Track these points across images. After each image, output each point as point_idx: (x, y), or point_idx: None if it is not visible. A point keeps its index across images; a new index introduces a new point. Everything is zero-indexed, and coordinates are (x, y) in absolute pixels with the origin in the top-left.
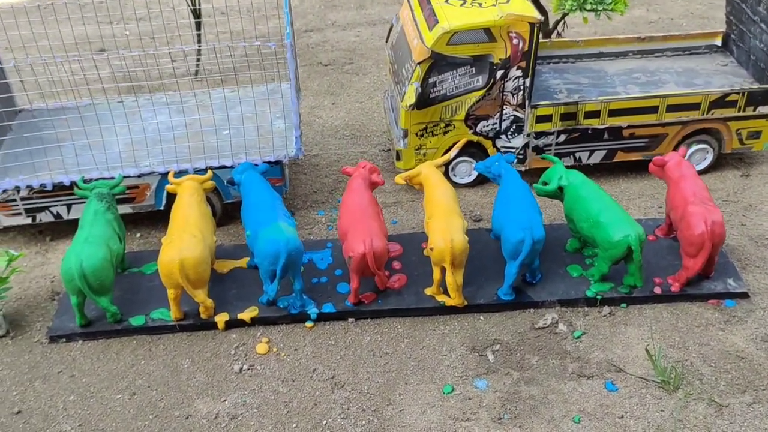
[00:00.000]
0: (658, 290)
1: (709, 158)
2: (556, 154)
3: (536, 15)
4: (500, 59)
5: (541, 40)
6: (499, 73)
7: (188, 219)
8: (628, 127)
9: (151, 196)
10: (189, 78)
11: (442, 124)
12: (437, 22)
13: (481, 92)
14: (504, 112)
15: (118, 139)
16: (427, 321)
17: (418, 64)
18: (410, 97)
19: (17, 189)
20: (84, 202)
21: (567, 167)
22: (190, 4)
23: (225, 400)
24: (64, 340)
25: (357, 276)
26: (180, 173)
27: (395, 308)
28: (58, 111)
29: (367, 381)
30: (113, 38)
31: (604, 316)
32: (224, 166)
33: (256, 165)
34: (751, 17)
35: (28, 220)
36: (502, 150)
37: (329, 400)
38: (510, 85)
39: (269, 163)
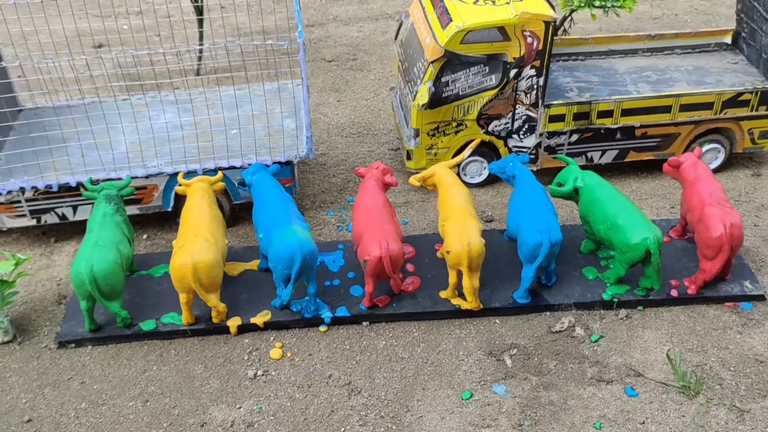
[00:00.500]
0: (674, 293)
1: (721, 158)
2: (567, 154)
3: (551, 13)
4: (514, 58)
5: None
6: (513, 72)
7: (200, 222)
8: (641, 126)
9: (158, 197)
10: (196, 76)
11: (454, 124)
12: (451, 20)
13: (494, 91)
14: (516, 111)
15: (125, 138)
16: (442, 324)
17: (431, 63)
18: (423, 97)
19: (22, 190)
20: (90, 204)
21: (579, 167)
22: (192, 0)
23: (240, 407)
24: (73, 345)
25: (372, 280)
26: (189, 174)
27: (410, 312)
28: (62, 109)
29: (384, 387)
30: (106, 34)
31: (621, 319)
32: (234, 167)
33: (268, 166)
34: (763, 15)
35: (33, 222)
36: (514, 150)
37: (346, 406)
38: (523, 85)
39: (279, 163)
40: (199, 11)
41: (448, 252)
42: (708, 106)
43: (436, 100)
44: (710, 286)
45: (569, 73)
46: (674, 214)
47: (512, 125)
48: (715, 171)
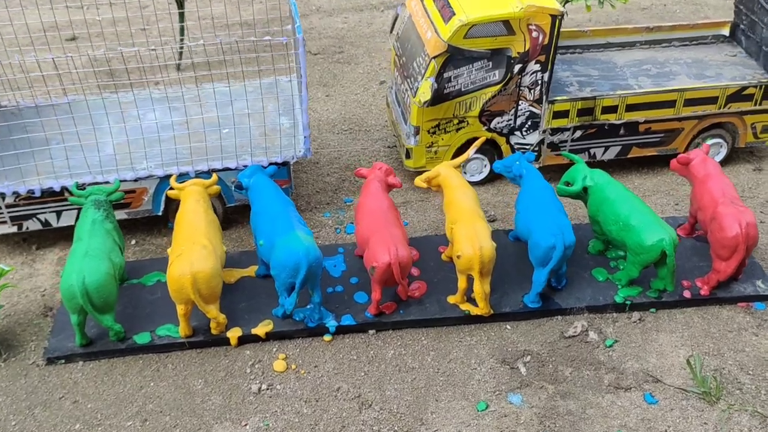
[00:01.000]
0: (687, 294)
1: (723, 153)
2: (570, 151)
3: (558, 6)
4: (518, 53)
5: None
6: (517, 68)
7: (196, 228)
8: (645, 122)
9: (148, 201)
10: (184, 73)
11: (456, 121)
12: (453, 13)
13: (498, 87)
14: (519, 107)
15: (112, 139)
16: (451, 331)
17: (434, 58)
18: (425, 93)
19: (2, 196)
20: (75, 208)
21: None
22: None
23: (246, 425)
24: (63, 361)
25: (379, 286)
26: (180, 176)
27: (418, 318)
28: (45, 108)
29: (395, 399)
30: (77, 26)
31: (634, 322)
32: (228, 168)
33: (264, 167)
34: (764, 7)
35: (14, 229)
36: (516, 147)
37: (358, 421)
38: (527, 80)
39: (276, 164)
40: (180, 4)
41: (458, 256)
42: (712, 100)
43: (437, 97)
44: (722, 286)
45: (568, 67)
46: (678, 211)
47: (515, 122)
48: None
